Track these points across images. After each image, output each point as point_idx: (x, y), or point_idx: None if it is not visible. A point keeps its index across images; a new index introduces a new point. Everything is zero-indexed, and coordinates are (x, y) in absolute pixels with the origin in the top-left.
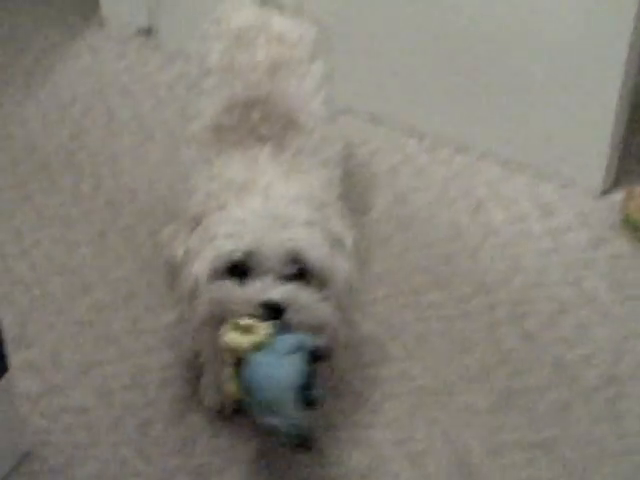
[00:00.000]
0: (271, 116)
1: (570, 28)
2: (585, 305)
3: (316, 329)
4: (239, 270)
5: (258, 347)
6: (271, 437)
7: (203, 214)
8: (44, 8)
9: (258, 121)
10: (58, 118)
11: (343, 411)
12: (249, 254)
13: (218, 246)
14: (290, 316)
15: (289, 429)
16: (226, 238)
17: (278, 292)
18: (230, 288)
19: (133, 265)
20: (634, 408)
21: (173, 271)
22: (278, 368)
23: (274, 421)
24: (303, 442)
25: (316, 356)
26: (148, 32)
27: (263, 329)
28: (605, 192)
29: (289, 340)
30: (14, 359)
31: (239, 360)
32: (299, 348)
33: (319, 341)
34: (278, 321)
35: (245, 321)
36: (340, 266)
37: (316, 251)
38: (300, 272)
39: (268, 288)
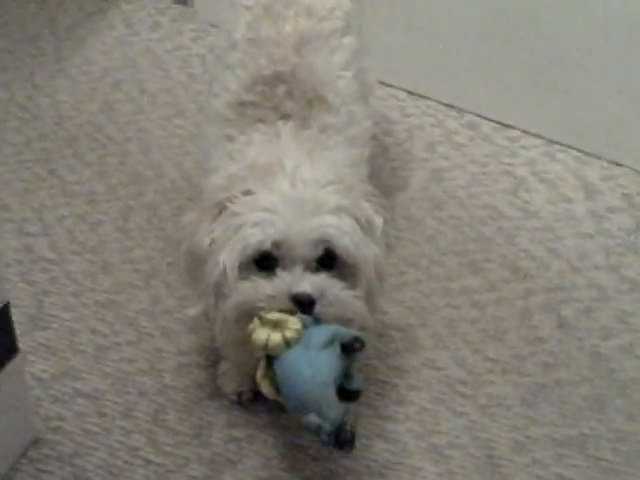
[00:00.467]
0: (296, 92)
1: (621, 6)
2: (625, 293)
3: (346, 321)
4: (267, 260)
5: (289, 343)
6: (306, 433)
7: (228, 200)
8: None
9: (283, 97)
10: (88, 91)
11: (366, 401)
12: (278, 243)
13: (246, 236)
14: (321, 309)
15: (330, 427)
16: (254, 227)
17: (308, 284)
18: (259, 285)
19: (155, 244)
20: None
21: (197, 262)
22: (313, 364)
23: (314, 420)
24: (345, 440)
25: (350, 348)
26: (184, 2)
27: (293, 323)
28: None
29: (321, 333)
30: (29, 341)
31: (270, 357)
32: (332, 341)
33: (352, 332)
34: (309, 316)
35: (274, 315)
36: (369, 251)
37: (346, 238)
38: (330, 260)
39: (298, 280)
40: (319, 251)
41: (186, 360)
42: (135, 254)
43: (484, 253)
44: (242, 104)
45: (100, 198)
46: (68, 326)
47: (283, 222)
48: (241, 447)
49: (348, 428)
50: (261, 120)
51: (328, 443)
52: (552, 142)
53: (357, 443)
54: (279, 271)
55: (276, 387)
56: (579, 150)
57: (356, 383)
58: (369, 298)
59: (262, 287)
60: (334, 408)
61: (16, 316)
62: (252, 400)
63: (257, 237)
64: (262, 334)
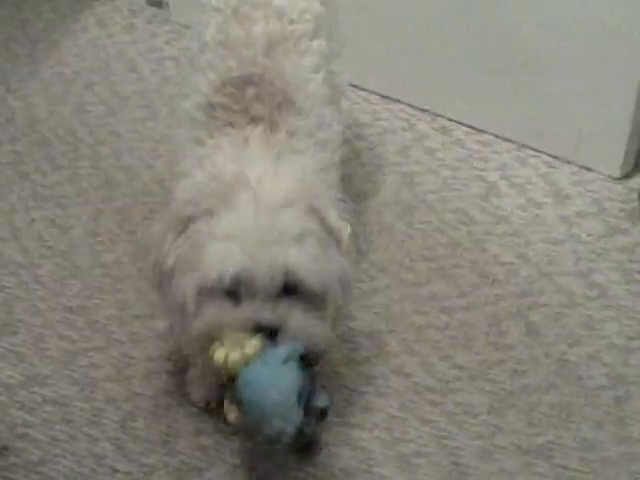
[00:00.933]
0: (266, 95)
1: (590, 9)
2: (594, 299)
3: (309, 345)
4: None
5: (248, 360)
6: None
7: (191, 218)
8: None
9: (252, 100)
10: (61, 93)
11: (333, 408)
12: (238, 276)
13: (205, 268)
14: (284, 338)
15: (292, 429)
16: (213, 258)
17: (271, 314)
18: (221, 310)
19: (126, 248)
20: None
21: (163, 277)
22: (275, 377)
23: (276, 423)
24: (307, 446)
25: (308, 360)
26: (159, 4)
27: (253, 343)
28: (623, 178)
29: (279, 351)
30: None
31: (233, 379)
32: (290, 357)
33: (307, 346)
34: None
35: (234, 336)
36: (334, 270)
37: (309, 267)
38: (294, 285)
39: (260, 311)
40: (281, 281)
41: (155, 367)
42: (105, 258)
43: (454, 259)
44: (212, 106)
45: (71, 202)
46: (36, 332)
47: (243, 254)
48: (208, 455)
49: (309, 431)
50: (230, 124)
51: (290, 447)
52: (523, 146)
53: (325, 451)
54: (243, 297)
55: (240, 405)
56: (550, 155)
57: (322, 401)
58: (336, 313)
59: (225, 315)
60: (295, 410)
61: None
62: (220, 408)
63: (216, 272)
64: (221, 353)
